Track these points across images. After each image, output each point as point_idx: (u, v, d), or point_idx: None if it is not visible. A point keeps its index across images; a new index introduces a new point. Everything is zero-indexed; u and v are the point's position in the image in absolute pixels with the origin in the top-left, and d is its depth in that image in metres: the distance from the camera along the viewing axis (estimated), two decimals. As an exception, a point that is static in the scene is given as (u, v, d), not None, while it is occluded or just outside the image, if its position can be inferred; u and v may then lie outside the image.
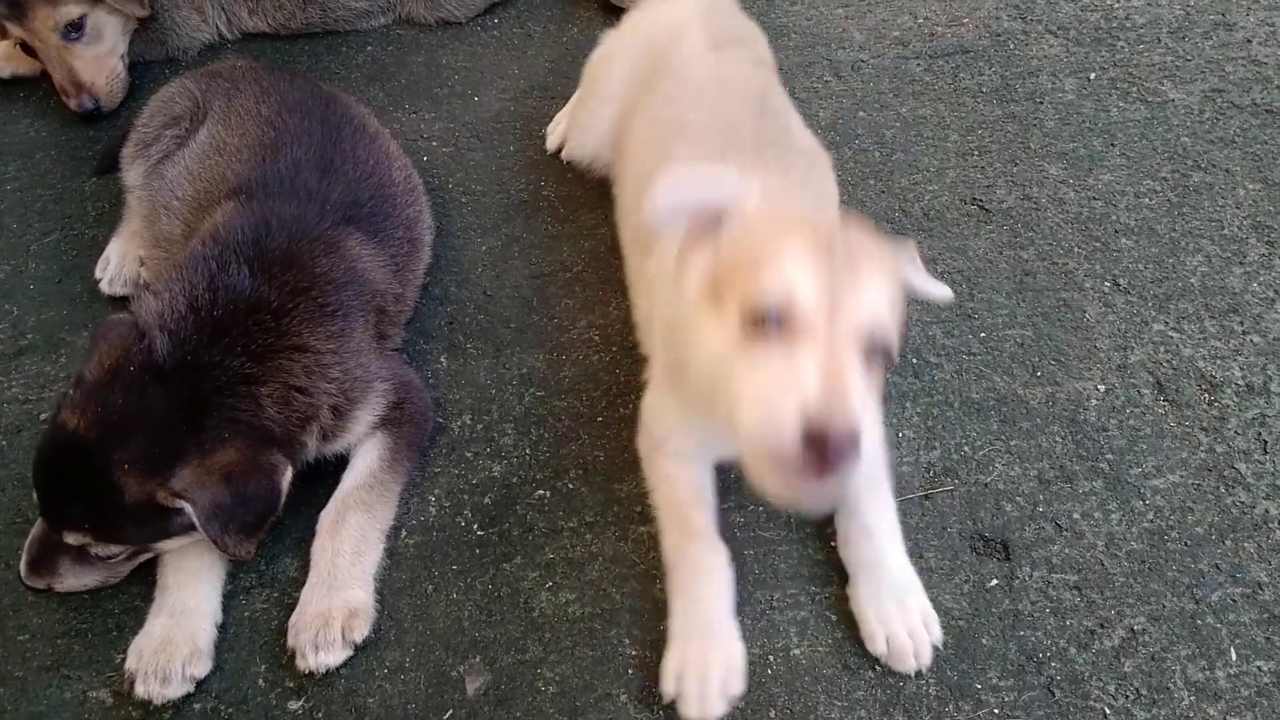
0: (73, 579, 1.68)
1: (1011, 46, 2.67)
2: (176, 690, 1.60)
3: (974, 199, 2.33)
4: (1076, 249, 2.22)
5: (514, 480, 1.89)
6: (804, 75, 2.63)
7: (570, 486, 1.88)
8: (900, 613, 1.65)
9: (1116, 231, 2.24)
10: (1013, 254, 2.22)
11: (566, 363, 2.07)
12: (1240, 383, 1.98)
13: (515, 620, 1.71)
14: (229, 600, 1.74)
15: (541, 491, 1.88)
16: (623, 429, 1.95)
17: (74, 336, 2.14)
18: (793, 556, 1.77)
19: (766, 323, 1.30)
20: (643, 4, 2.69)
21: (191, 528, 1.58)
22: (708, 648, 1.58)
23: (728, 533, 1.77)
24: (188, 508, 1.55)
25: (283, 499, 1.64)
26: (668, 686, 1.58)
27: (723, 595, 1.63)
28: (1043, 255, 2.21)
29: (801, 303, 1.30)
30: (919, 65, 2.64)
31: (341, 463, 1.85)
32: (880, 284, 1.35)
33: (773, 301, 1.30)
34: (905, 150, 2.43)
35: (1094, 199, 2.31)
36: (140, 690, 1.59)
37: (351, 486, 1.78)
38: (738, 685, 1.57)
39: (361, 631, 1.65)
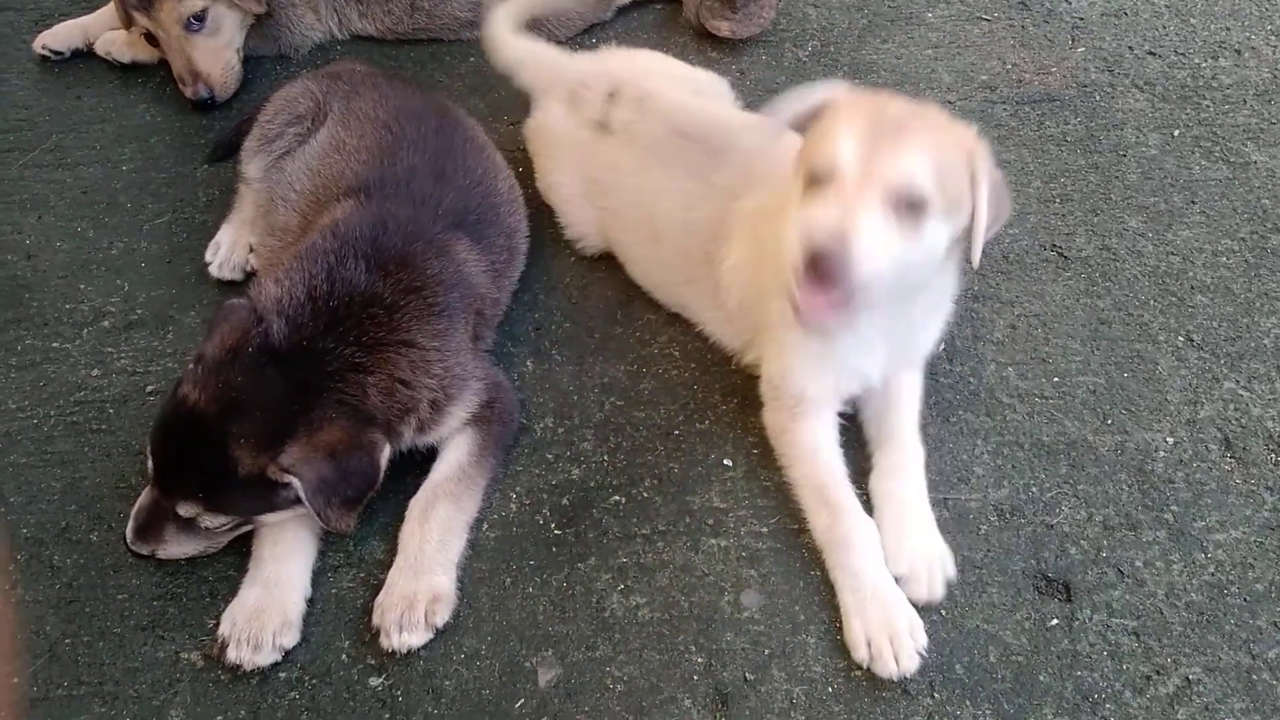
0: (175, 547, 1.78)
1: (1098, 98, 2.71)
2: (266, 658, 1.69)
3: (1053, 245, 2.37)
4: (1152, 302, 2.25)
5: (591, 484, 1.97)
6: (890, 112, 2.69)
7: (645, 495, 1.95)
8: (921, 550, 1.80)
9: (1192, 288, 2.28)
10: (1089, 302, 2.26)
11: (647, 375, 2.14)
12: (1310, 446, 2.01)
13: (587, 618, 1.79)
14: (317, 577, 1.84)
15: (617, 497, 1.95)
16: (698, 443, 2.02)
17: (182, 314, 2.25)
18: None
19: (819, 182, 1.62)
20: (735, 33, 2.79)
21: (297, 502, 1.67)
22: (888, 612, 1.72)
23: (797, 554, 1.83)
24: (295, 482, 1.64)
25: (381, 475, 1.73)
26: (860, 654, 1.70)
27: (881, 563, 1.77)
28: (1118, 305, 2.25)
29: (841, 162, 1.60)
30: (1005, 110, 2.69)
31: (431, 454, 1.94)
32: (920, 149, 1.61)
33: (821, 164, 1.62)
34: (986, 193, 2.48)
35: (1172, 254, 2.34)
36: (232, 655, 1.69)
37: (441, 478, 1.86)
38: (924, 638, 1.71)
39: (443, 616, 1.73)
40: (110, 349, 2.20)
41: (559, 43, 2.87)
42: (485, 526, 1.91)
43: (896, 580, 1.77)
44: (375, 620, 1.73)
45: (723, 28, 2.77)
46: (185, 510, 1.70)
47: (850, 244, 1.54)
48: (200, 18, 2.60)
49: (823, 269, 1.55)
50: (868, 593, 1.74)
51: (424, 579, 1.74)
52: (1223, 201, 2.45)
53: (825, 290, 1.57)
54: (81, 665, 1.75)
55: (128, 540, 1.77)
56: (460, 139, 2.16)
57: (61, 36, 2.82)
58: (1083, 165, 2.55)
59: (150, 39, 2.66)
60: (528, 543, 1.89)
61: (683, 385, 2.12)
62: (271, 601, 1.72)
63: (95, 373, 2.16)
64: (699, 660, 1.74)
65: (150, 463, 1.73)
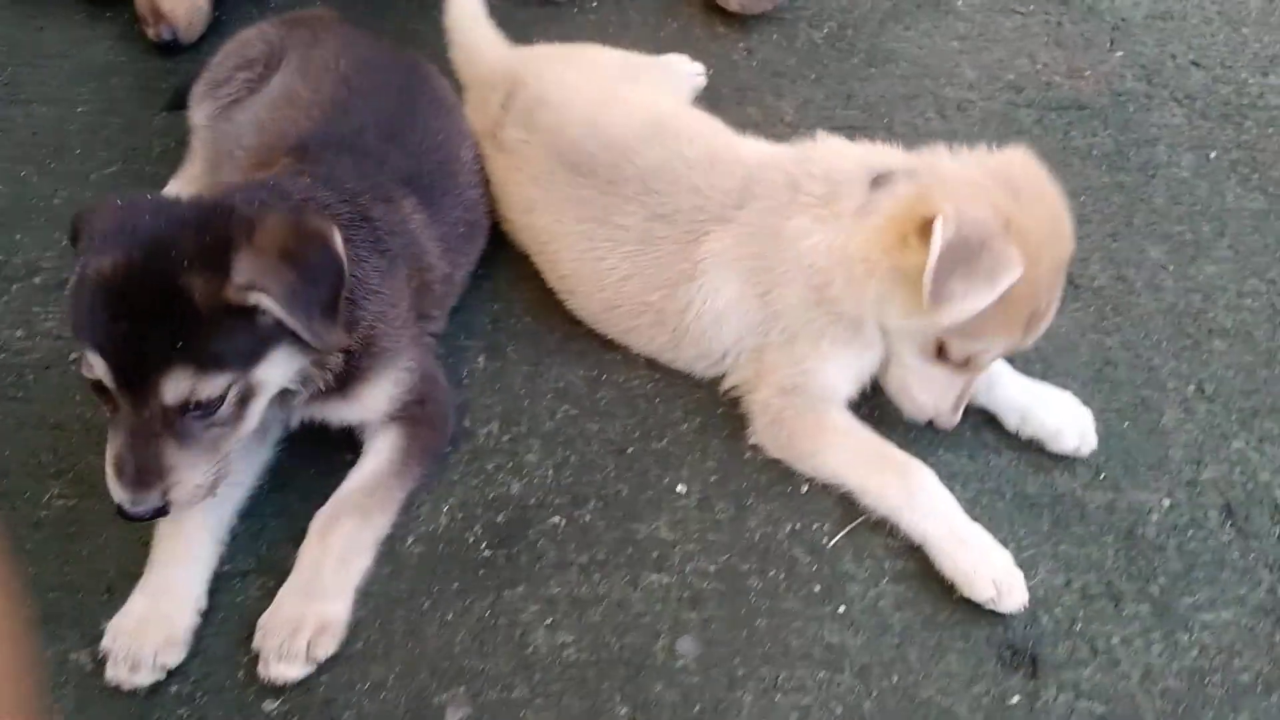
0: (186, 471, 1.49)
1: (1131, 109, 2.49)
2: (145, 678, 1.56)
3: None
4: (1165, 344, 2.07)
5: (531, 502, 1.82)
6: (905, 108, 2.49)
7: (587, 518, 1.80)
8: (1070, 409, 1.90)
9: (1211, 331, 2.09)
10: (1096, 338, 2.07)
11: (606, 383, 1.98)
12: (1320, 521, 1.83)
13: (507, 654, 1.65)
14: (224, 582, 1.70)
15: (557, 519, 1.80)
16: (652, 464, 1.87)
17: (117, 277, 2.10)
18: (807, 634, 1.67)
19: (951, 360, 1.74)
20: (744, 7, 2.59)
21: (278, 329, 1.47)
22: (991, 553, 1.71)
23: (744, 599, 1.69)
24: (264, 299, 1.42)
25: (345, 266, 1.50)
26: (988, 594, 1.67)
27: (953, 499, 1.77)
28: (1128, 345, 2.06)
29: (985, 360, 1.75)
30: (1030, 115, 2.48)
31: (357, 455, 1.79)
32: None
33: (967, 355, 1.73)
34: (998, 206, 2.29)
35: (1193, 291, 2.15)
36: (110, 673, 1.56)
37: (352, 488, 1.72)
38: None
39: (327, 650, 1.59)
40: (39, 308, 2.06)
41: (558, 3, 2.69)
42: (410, 540, 1.77)
43: (1072, 454, 1.87)
44: (256, 642, 1.59)
45: (731, 1, 2.56)
46: (173, 389, 1.42)
47: (954, 422, 1.82)
48: (165, -48, 2.43)
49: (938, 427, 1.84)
50: (968, 535, 1.73)
51: (314, 604, 1.60)
52: (1255, 236, 2.25)
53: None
54: (-39, 659, 1.63)
55: (126, 505, 1.48)
56: (425, 99, 1.99)
57: (27, -39, 2.66)
58: (1107, 184, 2.34)
59: (115, -29, 2.49)
60: (453, 563, 1.75)
61: (644, 398, 1.96)
62: (158, 614, 1.59)
63: (19, 334, 2.02)
64: (622, 711, 1.60)
65: (108, 374, 1.44)
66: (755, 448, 1.88)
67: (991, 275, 1.58)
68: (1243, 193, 2.33)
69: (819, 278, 1.76)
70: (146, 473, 1.46)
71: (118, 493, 1.48)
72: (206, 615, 1.66)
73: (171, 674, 1.60)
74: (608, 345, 2.03)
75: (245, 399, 1.53)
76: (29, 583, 1.67)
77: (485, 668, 1.63)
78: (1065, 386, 1.97)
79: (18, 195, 2.25)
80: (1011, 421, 1.91)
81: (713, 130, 2.00)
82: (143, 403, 1.44)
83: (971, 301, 1.59)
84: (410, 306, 1.81)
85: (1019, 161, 1.76)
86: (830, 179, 1.80)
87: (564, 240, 1.95)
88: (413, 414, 1.78)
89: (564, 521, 1.80)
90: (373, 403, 1.76)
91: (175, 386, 1.43)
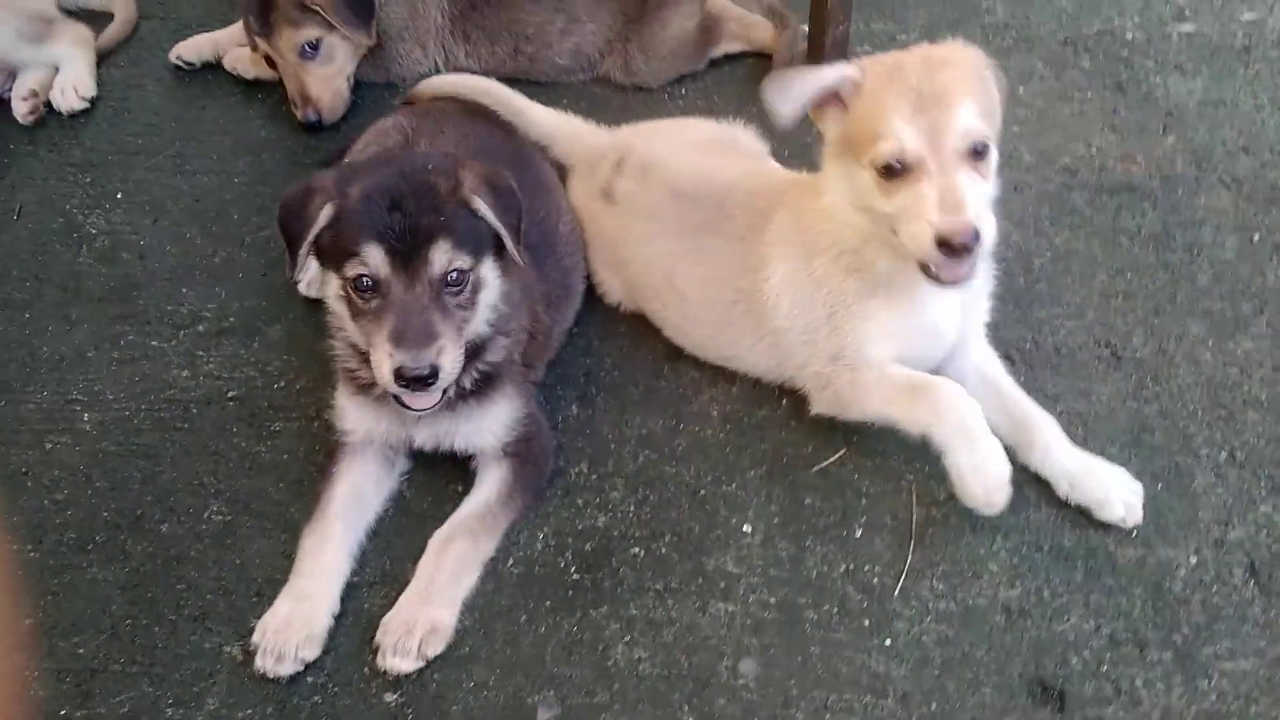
0: (449, 341, 1.83)
1: (1180, 192, 2.68)
2: (288, 669, 1.86)
3: (1109, 343, 2.37)
4: (1201, 413, 2.23)
5: (614, 534, 2.08)
6: (964, 189, 2.71)
7: (663, 550, 2.05)
8: (1121, 484, 2.06)
9: (1245, 403, 2.25)
10: (1135, 406, 2.25)
11: (683, 432, 2.24)
12: (1341, 583, 1.97)
13: (591, 665, 1.90)
14: (353, 591, 1.99)
15: (637, 549, 2.06)
16: (721, 505, 2.11)
17: (268, 326, 2.45)
18: (855, 663, 1.89)
19: (893, 171, 1.86)
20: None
21: (490, 240, 1.92)
22: (986, 456, 1.93)
23: (800, 629, 1.91)
24: (480, 203, 1.87)
25: (524, 206, 1.99)
26: (975, 495, 1.93)
27: (975, 408, 1.97)
28: (1165, 413, 2.24)
29: (909, 150, 1.84)
30: (1082, 197, 2.68)
31: (468, 488, 2.08)
32: (965, 102, 1.85)
33: (891, 158, 1.85)
34: (1050, 281, 2.49)
35: (1230, 365, 2.32)
36: (258, 663, 1.86)
37: (466, 514, 2.01)
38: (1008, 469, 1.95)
39: (436, 649, 1.87)
40: (201, 352, 2.41)
41: (650, 90, 3.00)
42: (510, 562, 2.04)
43: (1118, 523, 2.03)
44: (377, 638, 1.88)
45: (808, 91, 2.83)
46: (440, 257, 1.82)
47: (970, 223, 1.81)
48: (314, 46, 2.80)
49: (957, 247, 1.82)
50: (976, 438, 1.93)
51: (428, 610, 1.88)
52: (1293, 315, 2.40)
53: (962, 260, 1.86)
54: (137, 646, 1.94)
55: (408, 364, 1.79)
56: (529, 179, 2.30)
57: (194, 48, 3.07)
58: (1153, 262, 2.53)
59: (269, 61, 2.87)
60: (547, 583, 2.01)
61: (715, 446, 2.22)
62: (299, 616, 1.88)
63: (185, 374, 2.37)
64: None
65: (385, 261, 1.81)
66: (813, 493, 2.12)
67: (807, 79, 1.95)
68: (1284, 273, 2.49)
69: (835, 235, 2.06)
70: (423, 336, 1.81)
71: (399, 357, 1.81)
72: (338, 619, 1.95)
73: (308, 667, 1.89)
74: (685, 398, 2.29)
75: (476, 289, 1.92)
76: (190, 586, 2.01)
77: (572, 675, 1.89)
78: (1104, 450, 2.16)
79: (184, 253, 2.62)
80: (1062, 488, 2.08)
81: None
82: (415, 278, 1.83)
83: (791, 98, 1.94)
84: (524, 350, 2.12)
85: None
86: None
87: (680, 254, 2.28)
88: (520, 451, 2.08)
89: (642, 552, 2.05)
90: (489, 427, 2.06)
91: (441, 255, 1.83)
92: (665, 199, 2.28)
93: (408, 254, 1.81)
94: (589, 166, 2.46)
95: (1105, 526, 2.05)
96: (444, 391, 1.91)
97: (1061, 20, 3.17)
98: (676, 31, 2.93)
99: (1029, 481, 2.12)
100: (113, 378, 2.37)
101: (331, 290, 1.91)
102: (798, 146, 2.61)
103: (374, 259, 1.81)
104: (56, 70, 2.98)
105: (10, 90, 2.98)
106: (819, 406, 2.16)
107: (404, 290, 1.82)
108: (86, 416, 2.30)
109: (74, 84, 2.93)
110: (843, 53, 2.81)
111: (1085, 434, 2.20)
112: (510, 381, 2.06)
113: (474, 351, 1.99)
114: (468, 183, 1.88)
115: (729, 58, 3.05)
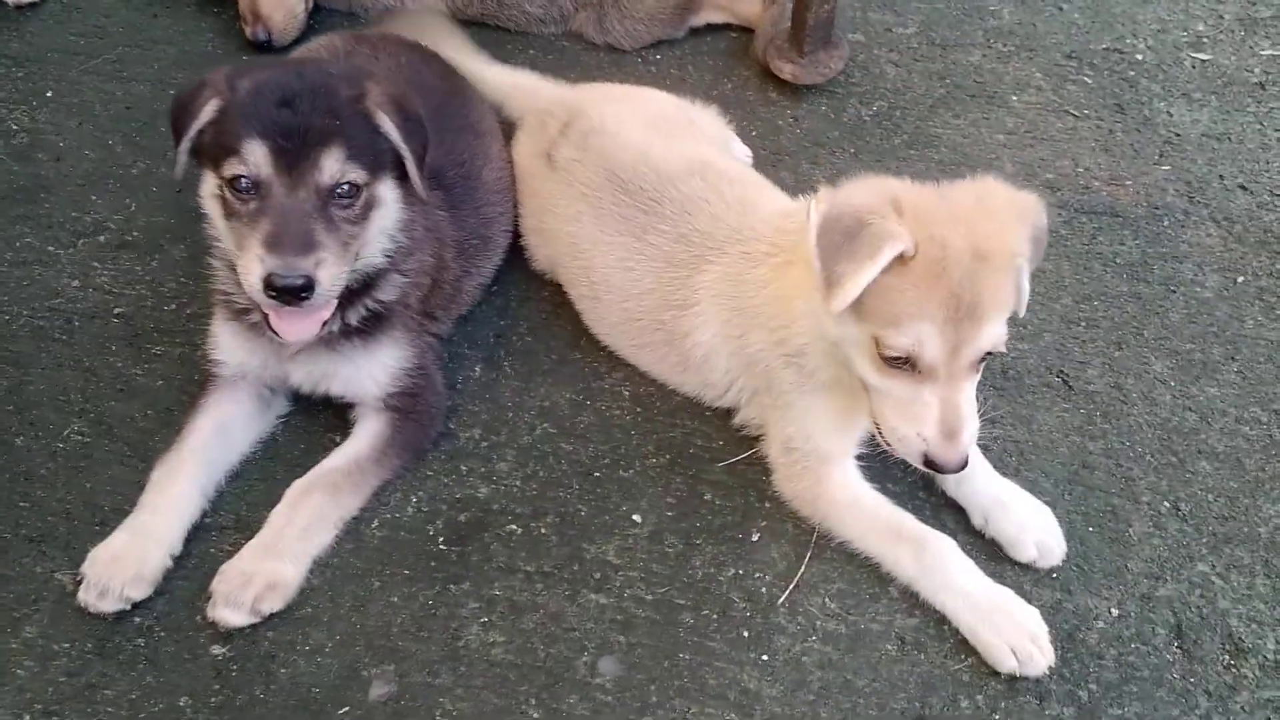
0: (331, 252, 1.68)
1: (1166, 223, 2.50)
2: (110, 606, 1.71)
3: (1061, 371, 2.20)
4: (1149, 457, 2.06)
5: (494, 507, 1.92)
6: (937, 192, 2.54)
7: (542, 531, 1.90)
8: (1037, 525, 1.89)
9: (1200, 452, 2.07)
10: (1079, 441, 2.08)
11: (589, 408, 2.08)
12: (1271, 657, 1.80)
13: (440, 643, 1.75)
14: (203, 533, 1.85)
15: (514, 526, 1.90)
16: (614, 490, 1.95)
17: (171, 246, 2.31)
18: (726, 676, 1.72)
19: (898, 360, 1.65)
20: (797, 78, 2.68)
21: (390, 160, 1.79)
22: (1015, 616, 1.75)
23: (673, 632, 1.76)
24: (385, 121, 1.74)
25: (429, 139, 1.86)
26: (1009, 665, 1.72)
27: (978, 572, 1.79)
28: (1110, 453, 2.07)
29: (927, 359, 1.63)
30: (1060, 216, 2.50)
31: (345, 439, 1.93)
32: (996, 315, 1.64)
33: (903, 354, 1.64)
34: (1009, 299, 2.32)
35: (1189, 410, 2.14)
36: (80, 596, 1.72)
37: (330, 466, 1.86)
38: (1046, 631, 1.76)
39: (271, 605, 1.72)
40: (96, 264, 2.27)
41: (623, 51, 2.84)
42: (375, 523, 1.89)
43: (1029, 564, 1.87)
44: (212, 585, 1.73)
45: (785, 70, 2.66)
46: (330, 165, 1.67)
47: (963, 456, 1.68)
48: (271, -38, 2.65)
49: (943, 469, 1.70)
50: (986, 605, 1.76)
51: (269, 563, 1.74)
52: (1267, 365, 2.22)
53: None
54: (-40, 561, 1.81)
55: (278, 272, 1.63)
56: (459, 119, 2.16)
57: (157, -45, 2.92)
58: (1124, 292, 2.35)
59: (225, -29, 2.73)
60: (410, 551, 1.86)
61: (620, 428, 2.06)
62: (133, 552, 1.74)
63: (75, 284, 2.23)
64: (534, 715, 1.68)
65: (268, 159, 1.66)
66: (715, 489, 1.96)
67: (873, 248, 1.58)
68: (1264, 321, 2.31)
69: (780, 329, 1.84)
70: (301, 243, 1.65)
71: (270, 263, 1.64)
72: (180, 560, 1.80)
73: (136, 606, 1.75)
74: (597, 373, 2.13)
75: (369, 207, 1.76)
76: (33, 506, 1.86)
77: (417, 651, 1.73)
78: (1036, 484, 1.99)
79: (101, 160, 2.48)
80: (976, 520, 1.92)
81: (754, 180, 2.13)
82: (300, 182, 1.67)
83: (857, 275, 1.58)
84: (423, 296, 1.96)
85: (969, 184, 1.77)
86: (789, 231, 1.88)
87: (602, 249, 2.06)
88: (403, 406, 1.92)
89: (520, 530, 1.89)
90: (371, 372, 1.90)
91: (331, 163, 1.67)
92: (600, 179, 2.07)
93: (294, 155, 1.65)
94: (539, 123, 2.27)
95: (1023, 564, 1.89)
96: (324, 324, 1.76)
97: (1070, 33, 2.99)
98: (657, -7, 2.76)
99: (946, 506, 1.96)
100: (0, 279, 2.23)
101: (207, 190, 1.75)
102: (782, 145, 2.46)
103: (255, 156, 1.65)
104: (11, -40, 2.84)
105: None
106: (780, 492, 1.94)
107: (286, 193, 1.66)
108: (-37, 316, 2.17)
109: (25, -25, 2.80)
110: (826, 36, 2.64)
111: (1019, 464, 2.04)
112: (402, 327, 1.90)
113: (365, 285, 1.84)
114: (373, 95, 1.74)
115: (710, 28, 2.88)
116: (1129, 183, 2.60)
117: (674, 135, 2.19)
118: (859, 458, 1.93)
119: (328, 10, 2.86)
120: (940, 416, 1.66)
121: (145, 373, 2.08)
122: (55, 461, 1.95)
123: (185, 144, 1.70)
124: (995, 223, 1.66)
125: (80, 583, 1.73)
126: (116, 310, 2.18)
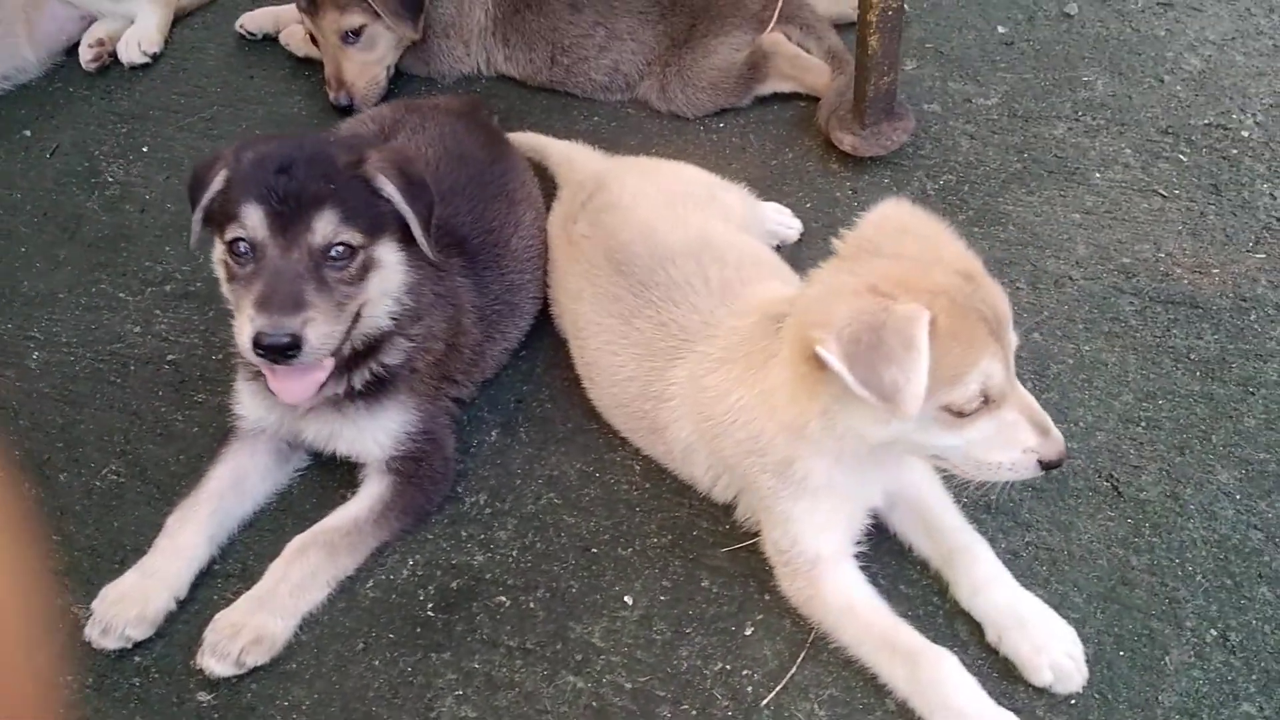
0: (322, 313, 1.72)
1: (1253, 317, 2.29)
2: (112, 643, 1.79)
3: (1111, 475, 2.03)
4: (1200, 577, 1.87)
5: (486, 576, 1.92)
6: (997, 273, 2.39)
7: (531, 605, 1.88)
8: (1057, 647, 1.73)
9: (1261, 576, 1.87)
10: (1121, 553, 1.91)
11: (597, 482, 2.06)
12: (1319, 821, 1.59)
13: (412, 712, 1.74)
14: (207, 580, 1.91)
15: (503, 598, 1.89)
16: (609, 569, 1.92)
17: (228, 297, 2.43)
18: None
19: (974, 408, 1.62)
20: (857, 149, 2.61)
21: (392, 222, 1.85)
22: None
23: None
24: (387, 184, 1.80)
25: (435, 202, 1.92)
26: None
27: (978, 689, 1.68)
28: (1155, 569, 1.89)
29: (996, 383, 1.63)
30: (1131, 304, 2.33)
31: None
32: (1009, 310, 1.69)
33: (978, 400, 1.62)
34: (1062, 392, 2.16)
35: (1254, 528, 1.94)
36: (86, 631, 1.80)
37: (329, 525, 1.89)
38: None
39: (257, 659, 1.76)
40: (159, 311, 2.41)
41: (688, 119, 2.83)
42: (370, 583, 1.91)
43: (1047, 688, 1.73)
44: (204, 633, 1.79)
45: (845, 141, 2.60)
46: (323, 227, 1.73)
47: (1053, 428, 1.67)
48: (356, 33, 2.78)
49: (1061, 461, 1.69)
50: None
51: (259, 617, 1.78)
52: (1352, 484, 2.00)
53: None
54: (-11, 589, 1.92)
55: (265, 331, 1.67)
56: (495, 186, 2.19)
57: (257, 20, 3.13)
58: (1195, 391, 2.16)
59: (314, 40, 2.88)
60: (398, 614, 1.87)
61: (625, 503, 2.02)
62: (138, 592, 1.82)
63: (137, 329, 2.37)
64: (493, 797, 1.65)
65: (263, 222, 1.72)
66: (713, 576, 1.90)
67: (908, 342, 1.50)
68: (1356, 433, 2.08)
69: (750, 440, 1.76)
70: (290, 303, 1.71)
71: (258, 323, 1.69)
72: (183, 604, 1.88)
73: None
74: (611, 445, 2.11)
75: (366, 269, 1.80)
76: (64, 540, 1.97)
77: (389, 718, 1.74)
78: (1066, 598, 1.84)
79: (179, 213, 2.63)
80: (990, 635, 1.78)
81: (754, 262, 2.04)
82: (293, 243, 1.72)
83: (916, 376, 1.50)
84: (437, 360, 1.99)
85: (878, 217, 1.73)
86: (740, 333, 1.81)
87: (593, 330, 2.04)
88: (405, 470, 1.94)
89: (509, 602, 1.88)
90: (374, 435, 1.93)
91: (324, 226, 1.73)
92: (600, 258, 2.04)
93: (289, 218, 1.72)
94: (571, 194, 2.29)
95: (1037, 690, 1.74)
96: (323, 385, 1.80)
97: (1169, 106, 2.80)
98: (720, 63, 2.75)
99: (960, 616, 1.83)
100: (73, 322, 2.40)
101: (216, 255, 1.84)
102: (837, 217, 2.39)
103: (251, 220, 1.72)
104: (131, 23, 3.08)
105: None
106: (784, 589, 1.85)
107: (280, 255, 1.73)
108: (36, 355, 2.34)
109: (140, 39, 3.03)
110: (889, 108, 2.56)
111: (1050, 573, 1.89)
112: (407, 391, 1.93)
113: (369, 348, 1.88)
114: (372, 160, 1.80)
115: (777, 97, 2.84)
116: (1215, 271, 2.40)
117: (691, 211, 2.13)
118: (872, 555, 1.83)
119: (409, 76, 2.98)
120: (1029, 422, 1.66)
121: (185, 419, 2.19)
122: (90, 499, 2.07)
123: (198, 213, 1.79)
124: (941, 241, 1.70)
125: (88, 620, 1.83)
126: (169, 357, 2.31)
